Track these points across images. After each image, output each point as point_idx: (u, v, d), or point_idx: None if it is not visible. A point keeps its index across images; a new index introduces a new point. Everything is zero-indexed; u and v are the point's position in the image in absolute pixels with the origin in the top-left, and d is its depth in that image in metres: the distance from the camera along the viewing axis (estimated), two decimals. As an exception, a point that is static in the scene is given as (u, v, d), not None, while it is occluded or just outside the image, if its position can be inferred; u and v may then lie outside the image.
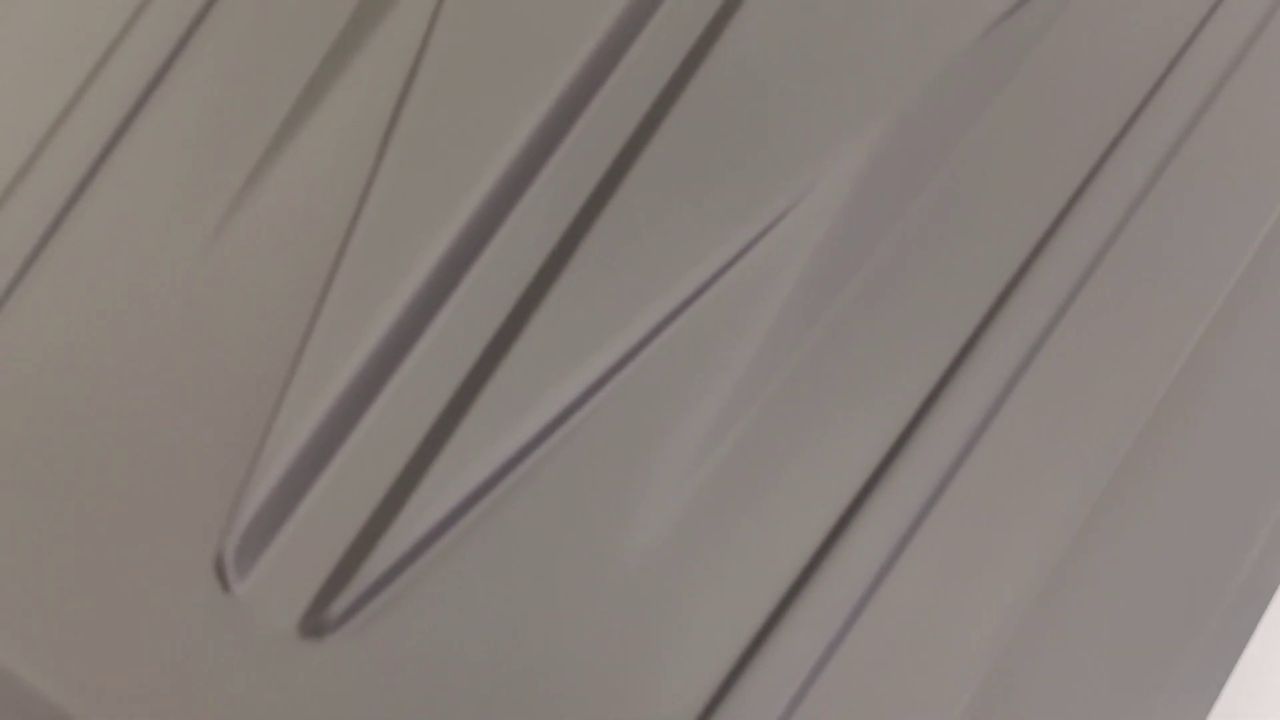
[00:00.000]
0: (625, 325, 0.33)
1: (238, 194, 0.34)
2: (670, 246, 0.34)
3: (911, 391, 0.33)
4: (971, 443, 0.32)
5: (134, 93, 0.35)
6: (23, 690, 0.30)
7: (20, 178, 0.34)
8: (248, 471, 0.32)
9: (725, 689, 0.31)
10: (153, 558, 0.31)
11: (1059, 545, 0.32)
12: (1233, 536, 0.32)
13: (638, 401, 0.33)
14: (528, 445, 0.32)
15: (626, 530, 0.32)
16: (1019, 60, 0.35)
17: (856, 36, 0.35)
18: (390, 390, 0.33)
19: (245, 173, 0.34)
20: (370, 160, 0.34)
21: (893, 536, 0.32)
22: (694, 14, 0.35)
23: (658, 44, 0.35)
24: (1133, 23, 0.35)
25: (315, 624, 0.31)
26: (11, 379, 0.33)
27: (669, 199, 0.34)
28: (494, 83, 0.35)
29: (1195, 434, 0.33)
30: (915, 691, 0.31)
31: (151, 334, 0.33)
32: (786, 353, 0.33)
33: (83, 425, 0.32)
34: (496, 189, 0.34)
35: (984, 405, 0.33)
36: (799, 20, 0.35)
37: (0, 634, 0.31)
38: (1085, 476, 0.32)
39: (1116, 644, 0.31)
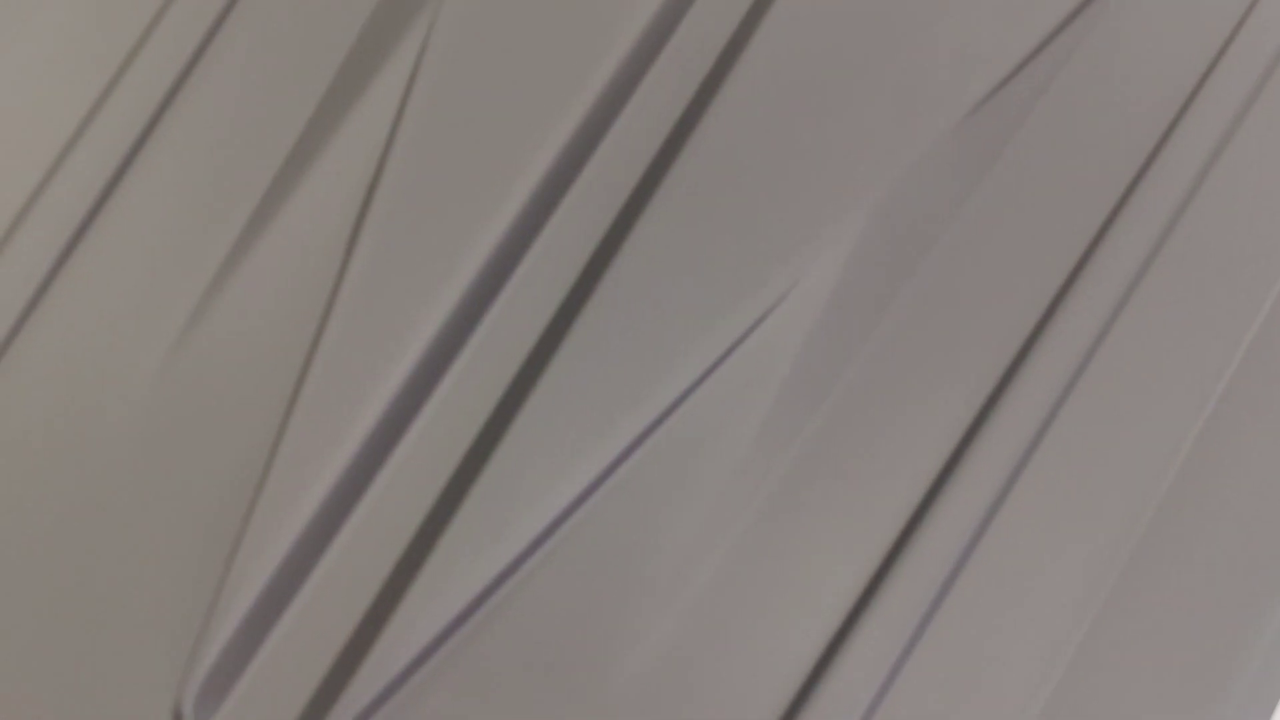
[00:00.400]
0: (609, 432, 0.31)
1: (199, 302, 0.32)
2: (657, 343, 0.32)
3: (914, 479, 0.32)
4: (985, 522, 0.32)
5: (96, 188, 0.33)
6: None
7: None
8: (208, 613, 0.30)
9: None
10: (110, 709, 0.29)
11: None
12: None
13: (630, 511, 0.31)
14: (512, 564, 0.30)
15: (620, 649, 0.30)
16: (1004, 140, 0.34)
17: (839, 122, 0.34)
18: (358, 517, 0.31)
19: (207, 279, 0.33)
20: (338, 262, 0.33)
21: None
22: (673, 98, 0.34)
23: (635, 131, 0.33)
24: (1118, 101, 0.34)
25: None
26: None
27: (653, 294, 0.32)
28: (462, 182, 0.33)
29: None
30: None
31: (105, 463, 0.31)
32: (783, 449, 0.32)
33: (33, 568, 0.31)
34: (466, 297, 0.32)
35: (999, 483, 0.32)
36: (780, 107, 0.34)
37: None
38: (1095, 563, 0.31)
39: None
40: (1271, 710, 0.32)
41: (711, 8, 0.34)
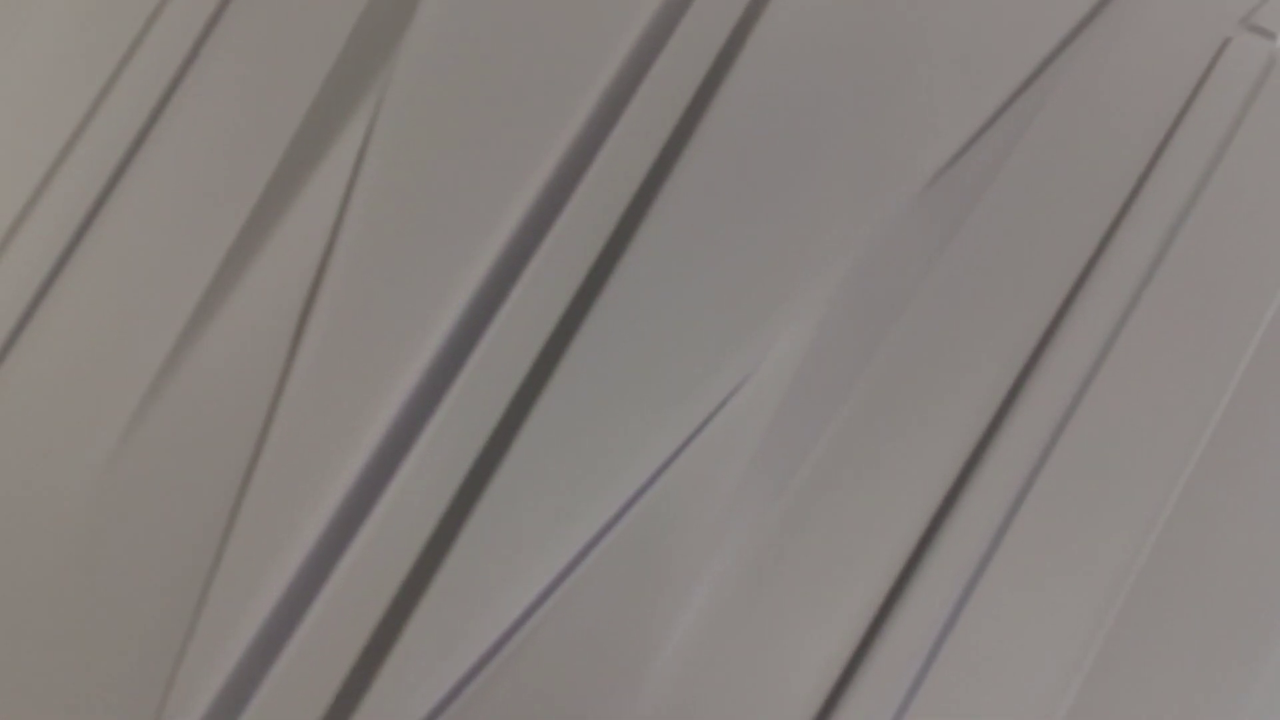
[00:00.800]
0: (577, 516, 0.30)
1: (150, 385, 0.31)
2: (615, 436, 0.31)
3: (883, 563, 0.31)
4: (962, 600, 0.31)
5: (35, 281, 0.32)
6: None
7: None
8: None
9: None
10: None
11: None
12: None
13: (591, 611, 0.30)
14: (470, 672, 0.29)
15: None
16: (968, 207, 0.33)
17: (801, 196, 0.33)
18: (311, 623, 0.29)
19: (159, 360, 0.31)
20: (289, 343, 0.31)
21: None
22: (624, 179, 0.33)
23: (591, 212, 0.32)
24: (1081, 161, 0.34)
25: None
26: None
27: (618, 373, 0.31)
28: (411, 268, 0.32)
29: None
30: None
31: (50, 555, 0.30)
32: (759, 519, 0.31)
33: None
34: (421, 382, 0.31)
35: (968, 572, 0.31)
36: (733, 188, 0.33)
37: None
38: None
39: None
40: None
41: (665, 83, 0.33)
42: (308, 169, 0.32)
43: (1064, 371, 0.32)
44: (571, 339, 0.31)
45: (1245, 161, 0.33)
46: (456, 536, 0.30)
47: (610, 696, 0.30)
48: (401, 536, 0.30)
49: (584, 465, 0.31)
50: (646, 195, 0.32)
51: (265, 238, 0.32)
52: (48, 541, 0.30)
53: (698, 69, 0.33)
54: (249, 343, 0.31)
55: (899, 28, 0.34)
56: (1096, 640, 0.31)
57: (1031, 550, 0.31)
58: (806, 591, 0.31)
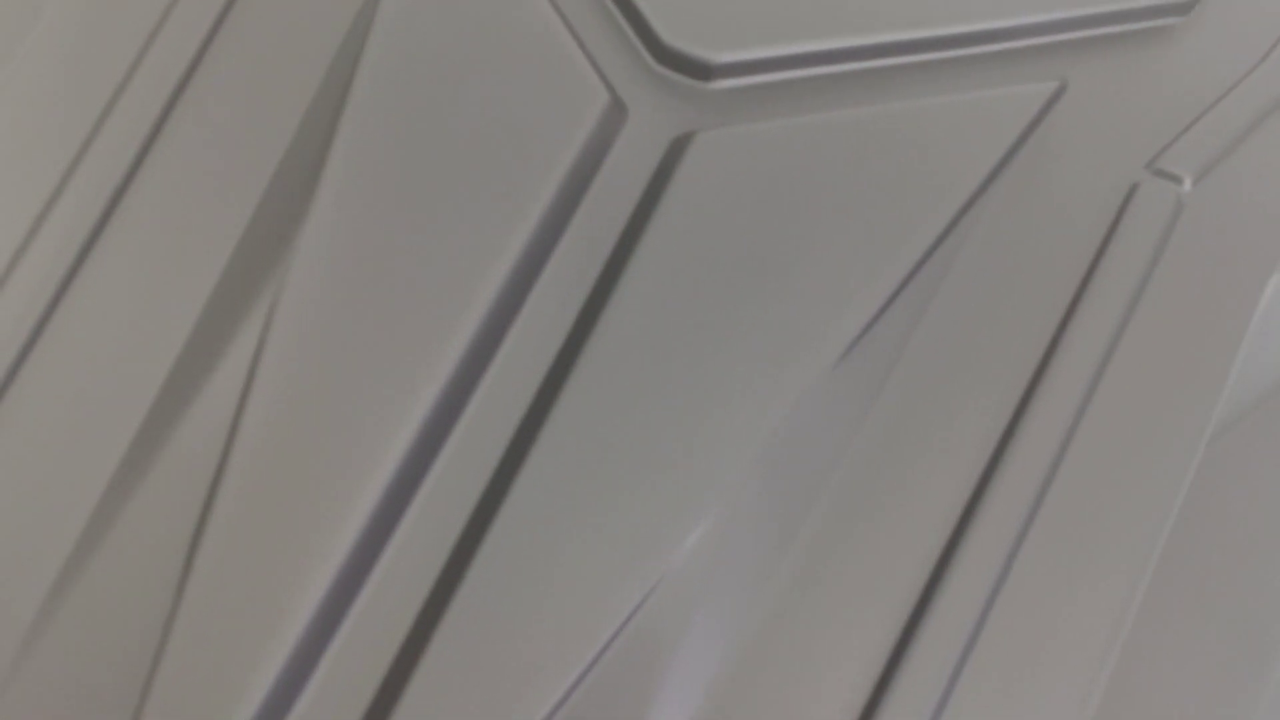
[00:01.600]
0: None
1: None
2: (549, 617, 0.30)
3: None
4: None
5: None
6: None
7: None
8: None
9: None
10: None
11: None
12: None
13: None
14: None
15: None
16: (883, 375, 0.33)
17: (708, 380, 0.32)
18: None
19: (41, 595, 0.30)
20: (175, 582, 0.30)
21: None
22: (532, 368, 0.32)
23: (491, 418, 0.31)
24: (992, 329, 0.33)
25: None
26: None
27: (527, 585, 0.30)
28: (302, 498, 0.30)
29: None
30: None
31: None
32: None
33: None
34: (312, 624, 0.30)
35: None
36: (642, 375, 0.32)
37: None
38: None
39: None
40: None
41: (565, 271, 0.33)
42: (199, 378, 0.32)
43: (987, 542, 0.32)
44: (474, 559, 0.30)
45: (1158, 317, 0.33)
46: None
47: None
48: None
49: (501, 675, 0.29)
50: (561, 374, 0.32)
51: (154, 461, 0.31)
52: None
53: (589, 276, 0.33)
54: (142, 566, 0.30)
55: (804, 201, 0.34)
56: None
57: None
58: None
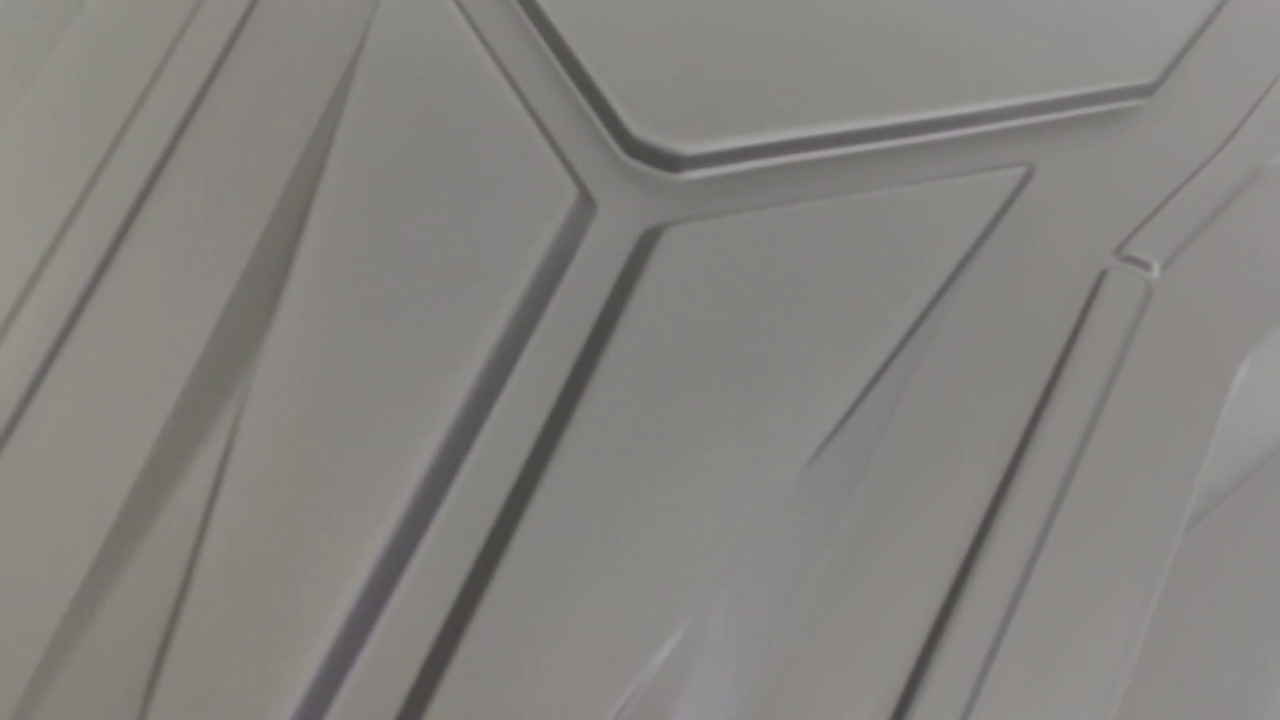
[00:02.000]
0: None
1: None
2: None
3: None
4: None
5: None
6: None
7: None
8: None
9: None
10: None
11: None
12: None
13: None
14: None
15: None
16: (858, 470, 0.32)
17: (681, 481, 0.32)
18: None
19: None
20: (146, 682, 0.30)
21: None
22: (505, 463, 0.31)
23: (464, 520, 0.31)
24: (962, 428, 0.33)
25: None
26: None
27: (502, 690, 0.30)
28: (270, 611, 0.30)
29: None
30: None
31: None
32: None
33: None
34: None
35: None
36: (614, 478, 0.31)
37: None
38: None
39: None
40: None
41: (536, 370, 0.32)
42: (163, 491, 0.31)
43: (964, 640, 0.31)
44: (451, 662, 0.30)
45: (1131, 405, 0.33)
46: None
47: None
48: None
49: None
50: (525, 488, 0.31)
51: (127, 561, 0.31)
52: None
53: (559, 376, 0.32)
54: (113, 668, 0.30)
55: (775, 293, 0.34)
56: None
57: None
58: None
